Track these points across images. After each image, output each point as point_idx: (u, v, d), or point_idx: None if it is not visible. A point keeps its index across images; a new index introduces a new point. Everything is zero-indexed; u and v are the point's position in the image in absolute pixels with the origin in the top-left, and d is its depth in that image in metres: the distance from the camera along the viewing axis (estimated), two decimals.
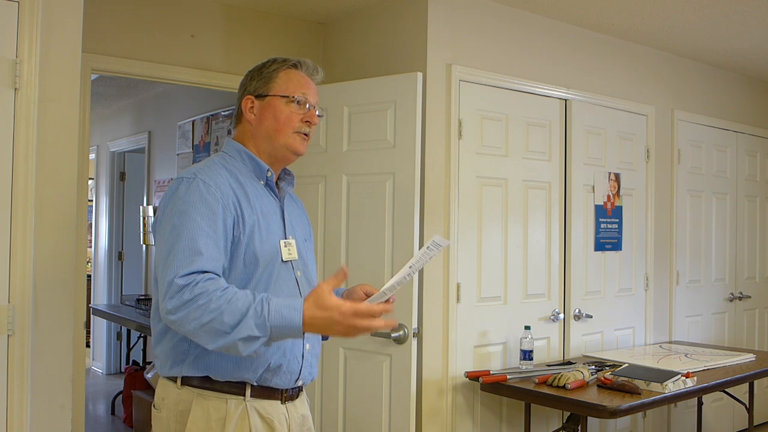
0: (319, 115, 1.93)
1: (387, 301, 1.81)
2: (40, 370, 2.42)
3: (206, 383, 1.76)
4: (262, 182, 1.89)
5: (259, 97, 1.88)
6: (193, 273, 1.61)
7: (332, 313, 1.57)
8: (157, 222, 1.75)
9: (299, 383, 1.88)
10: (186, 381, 1.77)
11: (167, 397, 1.80)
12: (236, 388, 1.76)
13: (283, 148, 1.88)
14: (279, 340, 1.61)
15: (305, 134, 1.89)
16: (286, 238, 1.86)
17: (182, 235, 1.65)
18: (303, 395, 1.96)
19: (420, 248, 1.77)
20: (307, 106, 1.88)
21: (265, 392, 1.80)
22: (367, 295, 1.88)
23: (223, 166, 1.83)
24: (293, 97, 1.87)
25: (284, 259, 1.83)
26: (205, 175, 1.74)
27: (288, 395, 1.85)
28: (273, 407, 1.81)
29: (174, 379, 1.78)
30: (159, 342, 1.80)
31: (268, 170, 1.89)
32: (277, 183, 1.94)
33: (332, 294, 1.60)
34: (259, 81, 1.90)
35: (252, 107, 1.89)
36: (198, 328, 1.57)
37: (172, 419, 1.78)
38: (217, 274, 1.66)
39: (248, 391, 1.77)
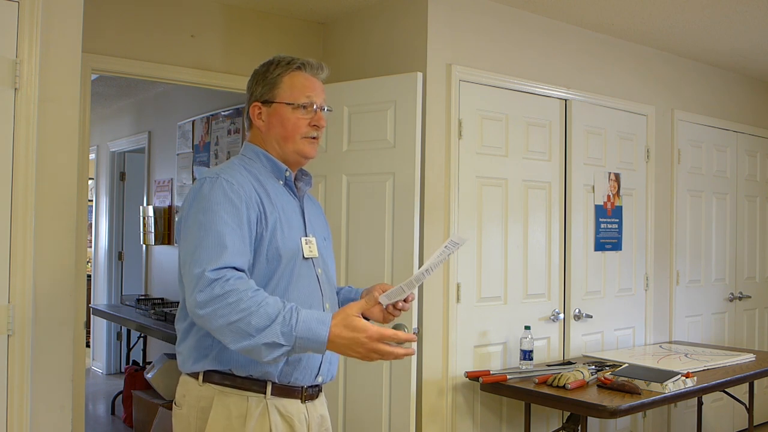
0: (328, 110, 1.98)
1: (405, 299, 1.88)
2: (40, 370, 2.42)
3: (227, 380, 1.77)
4: (281, 182, 1.92)
5: (265, 103, 1.91)
6: (223, 268, 1.63)
7: (359, 335, 1.60)
8: (182, 221, 1.78)
9: (319, 380, 1.89)
10: (207, 377, 1.78)
11: (188, 393, 1.82)
12: (257, 385, 1.78)
13: (293, 154, 1.91)
14: (301, 352, 1.62)
15: (314, 137, 1.93)
16: (306, 236, 1.89)
17: (210, 231, 1.67)
18: (322, 396, 1.97)
19: (437, 251, 1.80)
20: (314, 108, 1.91)
21: (285, 390, 1.81)
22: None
23: (243, 167, 1.86)
24: (298, 103, 1.89)
25: (305, 256, 1.85)
26: (227, 174, 1.78)
27: (308, 394, 1.86)
28: (293, 406, 1.82)
29: (195, 376, 1.80)
30: (183, 339, 1.83)
31: (286, 170, 1.92)
32: (295, 183, 1.97)
33: (360, 317, 1.64)
34: (264, 87, 1.91)
35: (260, 113, 1.92)
36: (224, 326, 1.59)
37: (192, 416, 1.80)
38: (245, 271, 1.69)
39: (269, 389, 1.78)
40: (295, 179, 1.97)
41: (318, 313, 1.63)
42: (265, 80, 1.92)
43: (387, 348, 1.61)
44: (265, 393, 1.78)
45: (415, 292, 3.18)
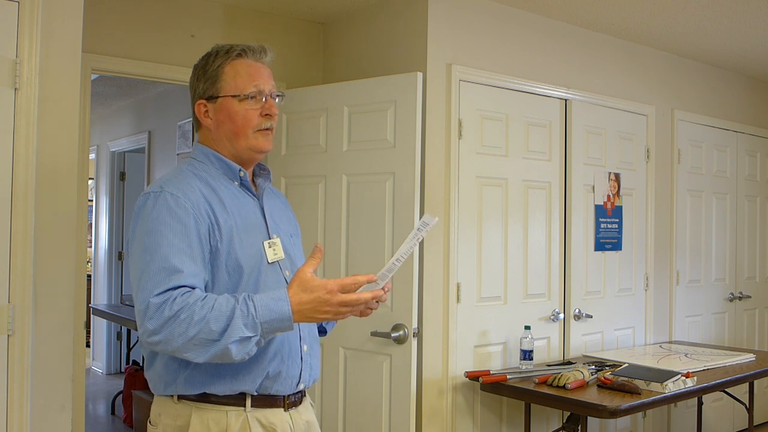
0: (279, 95, 1.81)
1: (382, 289, 1.73)
2: (40, 370, 2.42)
3: (204, 396, 1.69)
4: (236, 183, 1.79)
5: (210, 99, 1.76)
6: (168, 290, 1.54)
7: (319, 293, 1.54)
8: (129, 243, 1.67)
9: (300, 387, 1.81)
10: (182, 396, 1.70)
11: (164, 412, 1.72)
12: (235, 399, 1.69)
13: (247, 150, 1.77)
14: (271, 335, 1.56)
15: (267, 128, 1.78)
16: (270, 238, 1.78)
17: (155, 256, 1.56)
18: (307, 400, 1.89)
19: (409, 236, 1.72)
20: (264, 97, 1.76)
21: (266, 401, 1.72)
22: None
23: (192, 173, 1.74)
24: (245, 94, 1.74)
25: (270, 261, 1.74)
26: (171, 187, 1.65)
27: (291, 402, 1.78)
28: (275, 415, 1.73)
29: (170, 395, 1.72)
30: (150, 365, 1.73)
31: (240, 170, 1.79)
32: (253, 180, 1.86)
33: (314, 275, 1.57)
34: (206, 82, 1.77)
35: (206, 111, 1.78)
36: (185, 342, 1.50)
37: None
38: (192, 287, 1.58)
39: (248, 402, 1.70)
40: (253, 176, 1.86)
41: (272, 293, 1.56)
42: (206, 74, 1.77)
43: (352, 296, 1.56)
44: (244, 406, 1.69)
45: (415, 288, 3.19)
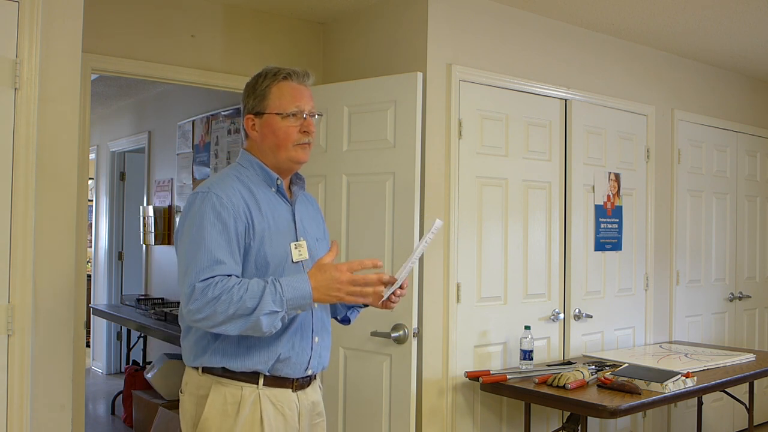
0: (319, 115, 2.08)
1: (401, 287, 2.00)
2: (40, 370, 2.42)
3: (224, 372, 1.93)
4: (273, 189, 2.04)
5: (257, 114, 2.02)
6: (210, 277, 1.81)
7: (331, 272, 1.83)
8: (178, 235, 1.95)
9: (309, 372, 2.04)
10: (206, 369, 1.95)
11: (190, 382, 2.00)
12: (250, 377, 1.94)
13: (287, 161, 2.03)
14: (294, 311, 1.84)
15: (306, 143, 2.03)
16: (297, 240, 2.02)
17: (200, 247, 1.84)
18: (315, 383, 2.13)
19: (421, 238, 2.00)
20: (304, 115, 2.01)
21: (276, 381, 1.97)
22: (383, 283, 1.96)
23: (236, 177, 2.00)
24: (287, 113, 1.99)
25: (294, 260, 1.99)
26: (218, 189, 1.92)
27: (299, 384, 2.02)
28: (284, 395, 1.98)
29: (197, 367, 1.97)
30: (185, 336, 2.00)
31: (277, 179, 2.04)
32: (290, 187, 2.10)
33: (331, 263, 1.86)
34: (254, 99, 2.03)
35: (253, 125, 2.04)
36: (226, 320, 1.78)
37: (192, 402, 1.97)
38: (229, 276, 1.84)
39: (261, 380, 1.94)
40: (290, 183, 2.11)
41: (295, 275, 1.88)
42: (255, 93, 2.03)
43: (359, 275, 1.85)
44: (257, 384, 1.94)
45: (415, 288, 3.19)
